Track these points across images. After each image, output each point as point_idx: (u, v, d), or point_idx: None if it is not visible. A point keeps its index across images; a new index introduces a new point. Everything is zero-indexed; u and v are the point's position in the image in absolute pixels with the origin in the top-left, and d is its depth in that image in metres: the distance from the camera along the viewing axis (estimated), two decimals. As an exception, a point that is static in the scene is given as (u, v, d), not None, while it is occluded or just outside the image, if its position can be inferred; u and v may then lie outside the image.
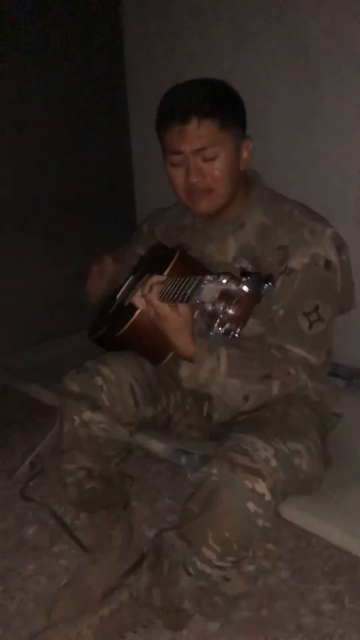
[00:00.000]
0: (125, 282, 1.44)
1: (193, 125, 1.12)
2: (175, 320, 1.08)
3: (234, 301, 0.88)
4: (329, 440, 1.26)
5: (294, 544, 1.51)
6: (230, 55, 1.87)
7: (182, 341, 1.12)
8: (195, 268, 1.22)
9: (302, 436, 1.10)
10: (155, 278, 1.10)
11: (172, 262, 1.19)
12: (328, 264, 1.17)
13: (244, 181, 1.25)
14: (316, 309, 1.16)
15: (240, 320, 0.88)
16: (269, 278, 0.91)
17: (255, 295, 0.89)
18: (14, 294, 2.10)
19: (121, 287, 1.45)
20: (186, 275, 1.08)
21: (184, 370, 1.16)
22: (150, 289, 1.08)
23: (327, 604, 1.33)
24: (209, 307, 0.89)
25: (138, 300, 1.11)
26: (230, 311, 0.87)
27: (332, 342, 1.29)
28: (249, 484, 0.97)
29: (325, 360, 1.26)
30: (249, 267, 1.23)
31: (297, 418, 1.17)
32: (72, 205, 2.22)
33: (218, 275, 0.92)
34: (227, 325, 0.88)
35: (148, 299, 1.08)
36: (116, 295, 1.44)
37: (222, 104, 1.15)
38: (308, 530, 1.15)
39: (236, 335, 0.89)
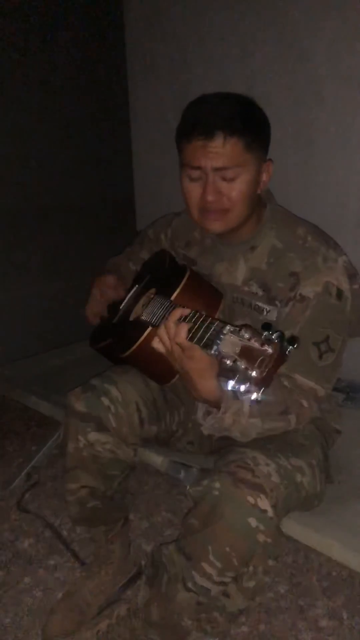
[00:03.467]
0: (129, 290, 1.42)
1: (218, 142, 1.06)
2: (203, 361, 1.00)
3: (257, 362, 0.82)
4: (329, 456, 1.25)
5: (292, 559, 1.50)
6: (232, 70, 1.89)
7: (208, 384, 1.03)
8: (205, 291, 1.19)
9: (305, 453, 1.10)
10: (179, 313, 1.01)
11: (182, 284, 1.16)
12: (340, 293, 1.12)
13: (258, 202, 1.21)
14: (327, 339, 1.11)
15: (263, 383, 0.82)
16: (294, 340, 0.86)
17: (280, 359, 0.83)
18: (13, 305, 2.10)
19: (124, 294, 1.43)
20: (196, 300, 1.03)
21: (204, 417, 1.09)
22: (178, 329, 0.99)
23: (326, 620, 1.32)
24: (229, 362, 0.84)
25: (162, 337, 1.03)
26: (253, 373, 0.81)
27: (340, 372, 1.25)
28: (251, 500, 0.96)
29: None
30: (259, 293, 1.19)
31: (300, 434, 1.16)
32: (73, 216, 2.23)
33: (239, 327, 0.87)
34: (247, 386, 0.82)
35: (177, 341, 1.00)
36: (119, 304, 1.42)
37: (250, 124, 1.09)
38: (308, 545, 1.14)
39: (258, 399, 0.84)
